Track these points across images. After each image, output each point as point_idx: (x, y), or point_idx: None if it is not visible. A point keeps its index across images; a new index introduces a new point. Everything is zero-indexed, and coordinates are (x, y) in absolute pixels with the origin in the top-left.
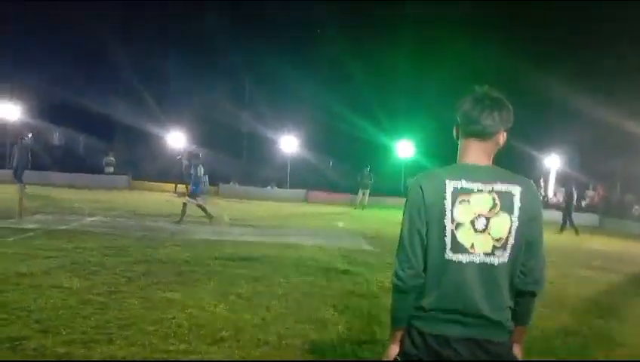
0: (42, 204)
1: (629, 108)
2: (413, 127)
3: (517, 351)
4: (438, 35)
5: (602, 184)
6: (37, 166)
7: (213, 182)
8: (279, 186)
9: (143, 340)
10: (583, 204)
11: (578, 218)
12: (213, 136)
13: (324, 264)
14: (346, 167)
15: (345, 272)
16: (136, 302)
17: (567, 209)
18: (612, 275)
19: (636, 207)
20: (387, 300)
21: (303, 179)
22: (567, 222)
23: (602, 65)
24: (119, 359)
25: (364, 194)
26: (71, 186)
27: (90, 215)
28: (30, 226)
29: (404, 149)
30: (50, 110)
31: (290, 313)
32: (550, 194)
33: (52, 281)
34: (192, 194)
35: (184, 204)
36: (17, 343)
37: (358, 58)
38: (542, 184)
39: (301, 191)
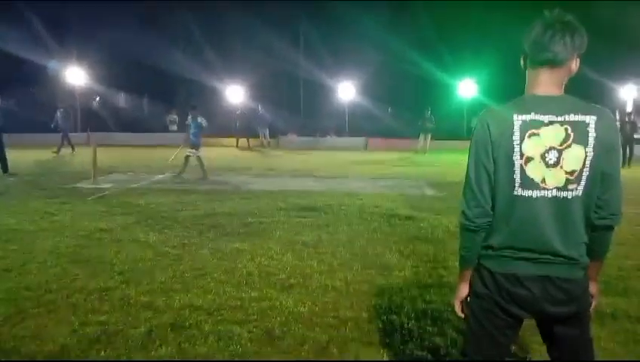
0: (115, 163)
1: None
2: (477, 65)
3: (593, 288)
4: None
5: None
6: (105, 128)
7: (272, 134)
8: (338, 135)
9: (217, 289)
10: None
11: None
12: (271, 87)
13: (387, 211)
14: (406, 111)
15: (408, 218)
16: (208, 253)
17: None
18: None
19: None
20: (453, 244)
21: (362, 126)
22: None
23: None
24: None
25: (425, 138)
26: (138, 146)
27: (160, 172)
28: (105, 186)
29: (467, 88)
30: (115, 73)
31: (355, 259)
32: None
33: (130, 236)
34: (194, 146)
35: (186, 157)
36: (104, 293)
37: None
38: (631, 118)
39: (360, 139)
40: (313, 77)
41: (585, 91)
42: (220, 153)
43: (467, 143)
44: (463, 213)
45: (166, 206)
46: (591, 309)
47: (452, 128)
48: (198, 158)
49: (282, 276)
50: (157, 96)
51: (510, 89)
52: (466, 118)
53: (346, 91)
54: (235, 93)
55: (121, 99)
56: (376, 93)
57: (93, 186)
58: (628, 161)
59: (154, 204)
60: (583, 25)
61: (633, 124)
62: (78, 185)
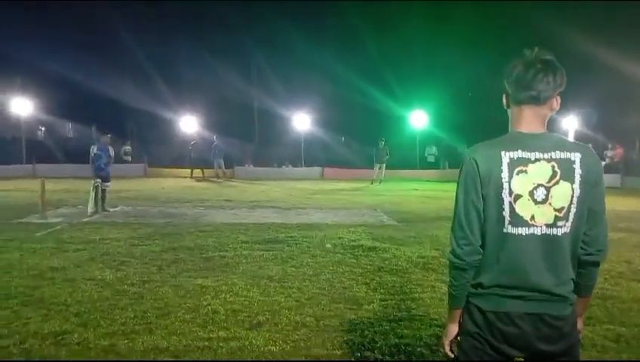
0: (64, 196)
1: None
2: (427, 97)
3: (580, 324)
4: (450, 3)
5: (621, 143)
6: (52, 159)
7: (228, 164)
8: (294, 165)
9: (183, 329)
10: (603, 164)
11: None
12: (226, 118)
13: (349, 242)
14: (360, 141)
15: (371, 249)
16: (170, 291)
17: None
18: None
19: None
20: (417, 275)
21: (318, 156)
22: None
23: (619, 17)
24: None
25: (380, 168)
26: (88, 178)
27: (112, 205)
28: (55, 220)
29: (418, 119)
30: (62, 103)
31: (323, 293)
32: None
33: (85, 274)
34: (107, 178)
35: (95, 190)
36: (60, 338)
37: (369, 27)
38: None
39: (317, 169)
40: (267, 107)
41: None
42: (175, 184)
43: (420, 173)
44: (453, 250)
45: (122, 241)
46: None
47: (405, 158)
48: (96, 190)
49: (249, 313)
50: (106, 126)
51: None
52: (418, 148)
53: (301, 121)
54: (188, 124)
55: (69, 129)
56: (330, 123)
57: (42, 221)
58: None
59: (109, 239)
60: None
61: None
62: (25, 220)
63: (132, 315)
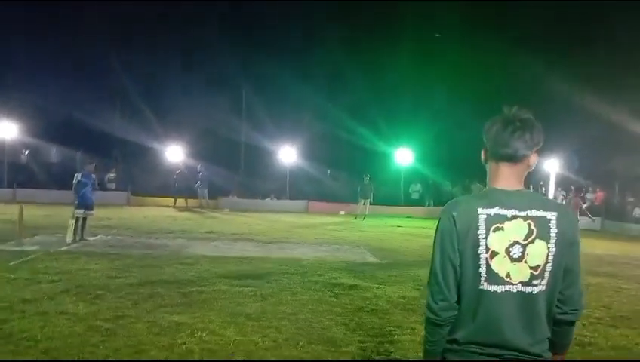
0: (43, 223)
1: (628, 108)
2: (412, 135)
3: None
4: (436, 43)
5: (601, 186)
6: (34, 184)
7: (212, 195)
8: (279, 198)
9: None
10: (584, 206)
11: (581, 221)
12: (212, 148)
13: (330, 279)
14: (346, 176)
15: (352, 287)
16: (144, 327)
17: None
18: (620, 281)
19: (636, 208)
20: (397, 316)
21: (303, 189)
22: None
23: (600, 65)
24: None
25: (364, 203)
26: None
27: (92, 234)
28: (31, 248)
29: (403, 157)
30: (48, 127)
31: (301, 334)
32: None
33: (58, 307)
34: (90, 206)
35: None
36: None
37: (356, 65)
38: (542, 190)
39: (301, 202)
40: (254, 139)
41: None
42: (158, 214)
43: (404, 209)
44: (429, 306)
45: (98, 272)
46: None
47: (390, 194)
48: (77, 220)
49: (225, 353)
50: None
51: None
52: (403, 184)
53: (287, 154)
54: (174, 153)
55: (53, 154)
56: (316, 157)
57: (18, 249)
58: None
59: (85, 270)
60: (511, 102)
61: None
62: (0, 247)
63: (103, 353)
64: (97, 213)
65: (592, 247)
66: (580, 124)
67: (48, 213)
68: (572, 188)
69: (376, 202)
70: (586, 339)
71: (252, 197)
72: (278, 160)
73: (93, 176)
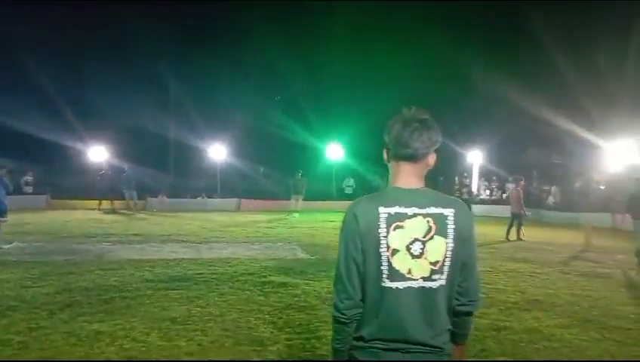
0: None
1: (541, 104)
2: (343, 130)
3: None
4: (366, 38)
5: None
6: None
7: (140, 195)
8: (210, 197)
9: None
10: (504, 196)
11: (500, 210)
12: (140, 147)
13: (260, 277)
14: (278, 172)
15: (282, 285)
16: (60, 339)
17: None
18: (534, 266)
19: (550, 196)
20: (325, 311)
21: (235, 187)
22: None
23: (519, 64)
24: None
25: (297, 200)
26: None
27: (6, 241)
28: None
29: (334, 152)
30: None
31: (227, 335)
32: (475, 189)
33: None
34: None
35: None
36: None
37: (287, 60)
38: (466, 181)
39: (233, 201)
40: (184, 137)
41: (438, 155)
42: (81, 217)
43: (336, 204)
44: (335, 305)
45: (11, 282)
46: None
47: (322, 189)
48: None
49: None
50: (7, 155)
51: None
52: (335, 179)
53: (218, 152)
54: (98, 153)
55: None
56: (248, 154)
57: None
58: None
59: None
60: (435, 99)
61: (469, 188)
62: None
63: None
64: (12, 218)
65: (511, 234)
66: (500, 119)
67: None
68: (510, 179)
69: (308, 198)
70: (501, 324)
71: (182, 197)
72: (208, 158)
73: (6, 181)
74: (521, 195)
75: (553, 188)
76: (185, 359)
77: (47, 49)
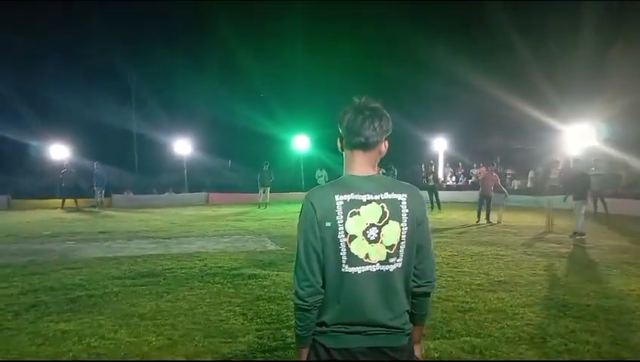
0: None
1: (506, 87)
2: (309, 121)
3: (417, 351)
4: (327, 27)
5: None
6: None
7: (105, 192)
8: (177, 192)
9: None
10: (469, 182)
11: (467, 196)
12: (102, 144)
13: (230, 270)
14: (245, 165)
15: (252, 276)
16: (26, 339)
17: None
18: (499, 248)
19: (514, 180)
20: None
21: (203, 181)
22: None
23: (478, 46)
24: None
25: (264, 191)
26: None
27: None
28: None
29: (301, 143)
30: None
31: (197, 328)
32: (441, 176)
33: None
34: None
35: None
36: None
37: (250, 51)
38: (432, 168)
39: (201, 195)
40: (148, 132)
41: (404, 144)
42: (43, 217)
43: (303, 195)
44: (296, 292)
45: None
46: None
47: (290, 181)
48: None
49: (115, 357)
50: None
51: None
52: (303, 170)
53: (183, 146)
54: (58, 151)
55: None
56: (214, 147)
57: None
58: (437, 204)
59: None
60: (401, 86)
61: (435, 174)
62: None
63: None
64: None
65: (453, 217)
66: (463, 106)
67: None
68: (481, 165)
69: (277, 189)
70: (467, 305)
71: (149, 193)
72: (174, 152)
73: None
74: (497, 179)
75: (531, 173)
76: (154, 354)
77: (2, 41)
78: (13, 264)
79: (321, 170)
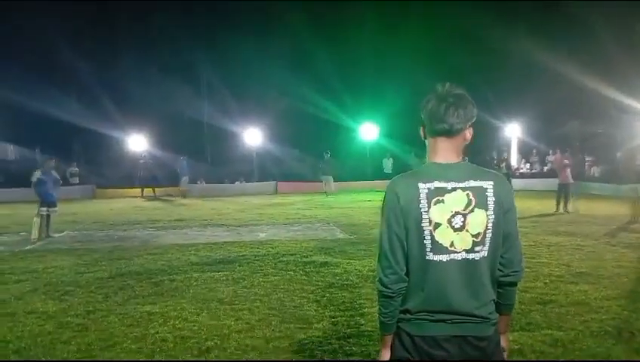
0: (4, 223)
1: (584, 69)
2: (378, 109)
3: (504, 342)
4: (398, 13)
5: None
6: None
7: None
8: (247, 181)
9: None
10: (545, 169)
11: (541, 184)
12: (176, 135)
13: (301, 257)
14: (313, 154)
15: (323, 264)
16: (116, 320)
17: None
18: (579, 239)
19: (594, 167)
20: (367, 289)
21: (271, 170)
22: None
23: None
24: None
25: (327, 181)
26: (31, 202)
27: (57, 231)
28: None
29: (369, 132)
30: (4, 125)
31: (273, 314)
32: (514, 163)
33: (26, 307)
34: (53, 204)
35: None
36: None
37: (320, 40)
38: (505, 155)
39: (270, 184)
40: (219, 123)
41: (475, 130)
42: (125, 205)
43: (370, 184)
44: (380, 280)
45: (66, 269)
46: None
47: (356, 170)
48: (42, 217)
49: (198, 339)
50: (51, 147)
51: (408, 131)
52: (369, 159)
53: (253, 136)
54: (137, 142)
55: (11, 151)
56: (282, 137)
57: None
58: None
59: (52, 268)
60: (472, 70)
61: (508, 162)
62: None
63: (75, 349)
64: (62, 208)
65: (552, 207)
66: (538, 91)
67: (9, 213)
68: (557, 151)
69: (343, 178)
70: (547, 297)
71: (220, 182)
72: (244, 142)
73: (54, 173)
74: (568, 165)
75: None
76: (234, 336)
77: (86, 41)
78: (100, 249)
79: (388, 159)
